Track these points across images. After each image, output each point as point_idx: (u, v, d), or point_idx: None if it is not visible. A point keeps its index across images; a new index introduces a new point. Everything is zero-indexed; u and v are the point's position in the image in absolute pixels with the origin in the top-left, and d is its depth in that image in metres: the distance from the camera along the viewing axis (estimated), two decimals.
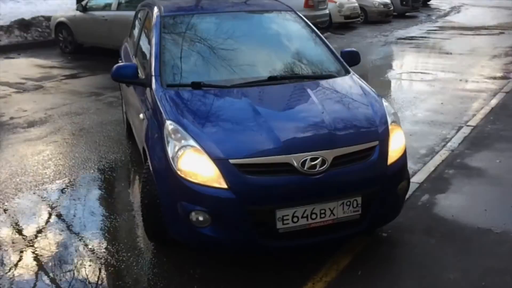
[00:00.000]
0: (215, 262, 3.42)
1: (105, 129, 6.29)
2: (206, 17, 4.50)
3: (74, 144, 5.76)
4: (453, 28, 17.07)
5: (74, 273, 3.34)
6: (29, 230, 3.90)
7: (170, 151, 3.18)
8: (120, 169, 5.12)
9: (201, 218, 3.06)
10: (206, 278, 3.24)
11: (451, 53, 11.86)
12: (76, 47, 11.75)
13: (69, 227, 3.95)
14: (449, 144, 5.49)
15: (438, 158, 5.06)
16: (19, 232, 3.87)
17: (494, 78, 9.09)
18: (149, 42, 4.27)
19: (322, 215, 3.09)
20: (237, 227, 3.06)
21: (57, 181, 4.72)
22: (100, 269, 3.39)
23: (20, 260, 3.51)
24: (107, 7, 11.07)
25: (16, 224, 3.98)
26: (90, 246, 3.66)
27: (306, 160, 3.05)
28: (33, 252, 3.58)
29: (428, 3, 25.85)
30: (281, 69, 4.02)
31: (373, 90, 3.86)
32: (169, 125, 3.28)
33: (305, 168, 3.04)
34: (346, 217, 3.15)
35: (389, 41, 14.10)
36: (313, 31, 4.46)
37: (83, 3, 11.41)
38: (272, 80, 3.82)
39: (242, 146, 3.13)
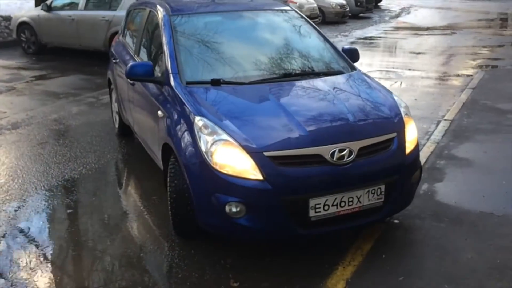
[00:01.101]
0: (243, 251, 3.54)
1: (94, 129, 6.26)
2: (213, 16, 4.60)
3: (67, 144, 5.71)
4: (406, 28, 17.81)
5: (102, 274, 3.38)
6: (59, 222, 3.89)
7: (203, 145, 3.27)
8: (120, 167, 5.13)
9: (236, 209, 3.18)
10: (239, 267, 3.35)
11: (413, 52, 12.39)
12: (40, 47, 11.47)
13: (85, 229, 3.97)
14: (432, 137, 5.82)
15: (426, 150, 5.37)
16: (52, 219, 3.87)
17: (457, 75, 9.61)
18: (159, 41, 4.33)
19: (350, 203, 3.28)
20: (271, 216, 3.20)
21: (62, 181, 4.71)
22: (132, 265, 3.45)
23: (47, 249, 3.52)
24: (74, 6, 10.87)
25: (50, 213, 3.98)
26: (111, 244, 3.70)
27: (335, 151, 3.23)
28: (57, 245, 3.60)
29: (379, 4, 26.75)
30: (293, 66, 4.18)
31: (382, 84, 4.10)
32: (199, 120, 3.38)
33: (334, 159, 3.22)
34: (371, 204, 3.35)
35: (350, 41, 14.54)
36: (315, 29, 4.66)
37: (48, 2, 11.15)
38: (287, 76, 3.99)
39: (275, 139, 3.27)
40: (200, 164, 3.29)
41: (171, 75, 3.87)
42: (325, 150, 3.22)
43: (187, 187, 3.42)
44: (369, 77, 4.19)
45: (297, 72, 4.09)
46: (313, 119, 3.47)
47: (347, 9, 19.53)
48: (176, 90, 3.75)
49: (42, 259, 3.48)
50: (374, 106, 3.72)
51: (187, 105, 3.57)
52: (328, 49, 4.44)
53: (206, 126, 3.34)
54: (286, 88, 3.82)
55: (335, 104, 3.64)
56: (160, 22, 4.37)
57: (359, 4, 21.01)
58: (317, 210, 3.21)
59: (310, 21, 4.77)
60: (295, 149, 3.22)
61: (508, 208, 4.01)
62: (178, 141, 3.49)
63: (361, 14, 21.56)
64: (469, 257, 3.35)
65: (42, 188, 4.55)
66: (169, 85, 3.84)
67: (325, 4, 18.61)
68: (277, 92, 3.74)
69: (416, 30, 17.20)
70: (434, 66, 10.62)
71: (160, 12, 4.50)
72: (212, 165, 3.22)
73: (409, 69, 10.16)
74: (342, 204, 3.26)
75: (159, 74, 4.05)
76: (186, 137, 3.43)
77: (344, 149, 3.25)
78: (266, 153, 3.17)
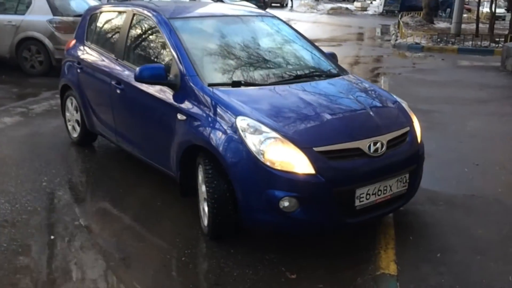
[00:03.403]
0: (280, 246, 3.65)
1: (46, 140, 5.84)
2: (210, 20, 4.65)
3: (28, 158, 5.28)
4: None
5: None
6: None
7: (252, 144, 3.34)
8: (101, 177, 4.88)
9: (290, 204, 3.29)
10: (285, 260, 3.45)
11: None
12: None
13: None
14: None
15: None
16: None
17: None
18: (161, 44, 4.28)
19: (385, 191, 3.57)
20: (323, 208, 3.37)
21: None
22: (181, 271, 3.39)
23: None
24: None
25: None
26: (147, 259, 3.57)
27: (370, 144, 3.50)
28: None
29: None
30: (300, 68, 4.39)
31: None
32: (242, 120, 3.44)
33: (371, 151, 3.50)
34: (398, 192, 3.68)
35: None
36: (302, 34, 4.94)
37: None
38: (298, 78, 4.18)
39: (320, 135, 3.46)
40: (250, 163, 3.34)
41: (189, 78, 3.86)
42: (363, 144, 3.48)
43: (228, 187, 3.46)
44: (361, 79, 4.56)
45: (305, 73, 4.31)
46: (345, 116, 3.72)
47: None
48: (201, 92, 3.75)
49: None
50: (385, 103, 4.07)
51: (221, 106, 3.60)
52: (321, 53, 4.71)
53: (250, 126, 3.41)
54: (306, 88, 4.00)
55: (356, 102, 3.92)
56: (160, 26, 4.30)
57: None
58: (361, 199, 3.45)
59: (293, 27, 5.03)
60: (339, 144, 3.43)
61: (484, 190, 4.61)
62: (217, 142, 3.49)
63: None
64: (480, 232, 3.83)
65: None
66: (189, 87, 3.82)
67: None
68: (301, 92, 3.91)
69: None
70: None
71: (155, 16, 4.42)
72: (264, 162, 3.30)
73: None
74: (379, 192, 3.54)
75: (172, 77, 3.98)
76: (227, 137, 3.45)
77: (377, 142, 3.54)
78: (315, 148, 3.34)
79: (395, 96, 4.28)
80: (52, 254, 3.52)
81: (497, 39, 17.26)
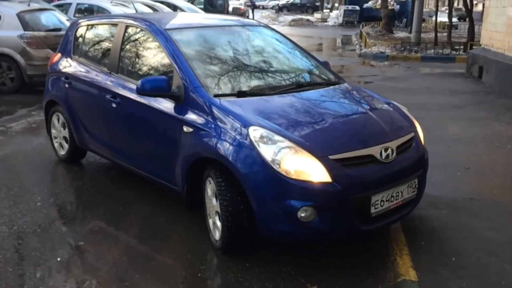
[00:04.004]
0: (293, 257, 3.62)
1: (31, 159, 5.64)
2: (206, 30, 4.59)
3: (11, 179, 5.07)
4: None
5: None
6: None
7: (267, 154, 3.30)
8: (95, 195, 4.73)
9: (308, 213, 3.27)
10: (303, 271, 3.42)
11: None
12: None
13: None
14: None
15: None
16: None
17: None
18: (159, 56, 4.21)
19: (397, 197, 3.60)
20: (340, 216, 3.36)
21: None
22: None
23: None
24: None
25: None
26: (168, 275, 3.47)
27: (381, 151, 3.53)
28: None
29: None
30: (300, 77, 4.40)
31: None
32: (254, 130, 3.41)
33: (383, 158, 3.52)
34: (409, 197, 3.71)
35: None
36: (295, 43, 4.96)
37: None
38: (300, 87, 4.17)
39: (333, 143, 3.46)
40: (266, 173, 3.30)
41: (194, 89, 3.80)
42: (375, 150, 3.50)
43: (242, 199, 3.41)
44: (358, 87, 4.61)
45: (307, 82, 4.31)
46: (354, 123, 3.75)
47: None
48: (208, 103, 3.69)
49: None
50: (388, 110, 4.11)
51: (231, 116, 3.55)
52: (317, 62, 4.73)
53: (263, 136, 3.38)
54: (311, 97, 4.00)
55: (361, 109, 3.96)
56: (157, 37, 4.22)
57: None
58: (376, 206, 3.46)
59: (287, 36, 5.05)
60: (353, 151, 3.43)
61: (480, 193, 4.71)
62: (229, 154, 3.43)
63: None
64: (488, 234, 3.90)
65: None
66: (194, 99, 3.76)
67: None
68: (307, 101, 3.90)
69: None
70: None
71: (151, 27, 4.35)
72: (281, 172, 3.26)
73: None
74: (392, 199, 3.56)
75: (175, 89, 3.90)
76: (240, 148, 3.41)
77: (388, 148, 3.57)
78: (331, 156, 3.34)
79: (394, 102, 4.33)
80: (63, 278, 3.37)
81: (457, 47, 17.90)
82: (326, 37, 26.20)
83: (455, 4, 35.72)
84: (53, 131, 5.62)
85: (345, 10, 34.11)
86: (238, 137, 3.45)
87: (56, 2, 15.65)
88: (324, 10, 46.63)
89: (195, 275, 3.44)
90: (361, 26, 26.53)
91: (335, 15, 39.38)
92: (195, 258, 3.64)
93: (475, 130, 7.06)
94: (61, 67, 5.36)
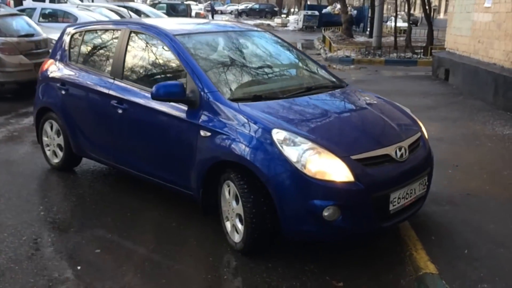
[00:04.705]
0: (313, 256, 3.70)
1: (22, 168, 5.49)
2: (211, 36, 4.63)
3: (6, 190, 4.93)
4: None
5: None
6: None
7: (291, 156, 3.37)
8: (100, 202, 4.66)
9: (332, 212, 3.35)
10: (327, 269, 3.51)
11: None
12: None
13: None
14: None
15: None
16: None
17: None
18: (169, 62, 4.26)
19: (411, 194, 3.74)
20: (363, 214, 3.47)
21: None
22: None
23: None
24: None
25: None
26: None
27: (396, 150, 3.66)
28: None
29: None
30: (308, 80, 4.49)
31: None
32: (277, 133, 3.47)
33: (398, 157, 3.65)
34: (420, 194, 3.87)
35: None
36: (296, 48, 5.06)
37: None
38: (309, 90, 4.26)
39: (353, 144, 3.57)
40: (291, 175, 3.37)
41: (210, 94, 3.83)
42: (390, 150, 3.64)
43: (265, 201, 3.47)
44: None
45: (316, 85, 4.40)
46: (368, 124, 3.88)
47: None
48: (226, 108, 3.73)
49: None
50: (395, 111, 4.26)
51: (251, 120, 3.60)
52: (320, 66, 4.84)
53: (286, 138, 3.44)
54: (324, 99, 4.10)
55: (372, 111, 4.08)
56: (167, 43, 4.22)
57: None
58: (393, 203, 3.58)
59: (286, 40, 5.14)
60: (372, 151, 3.55)
61: (474, 189, 4.92)
62: (252, 157, 3.48)
63: None
64: (492, 227, 4.09)
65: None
66: (211, 103, 3.78)
67: None
68: (321, 103, 4.00)
69: None
70: None
71: (160, 33, 4.35)
72: (306, 173, 3.34)
73: None
74: (407, 196, 3.70)
75: (190, 94, 3.91)
76: (264, 151, 3.46)
77: (401, 148, 3.71)
78: (352, 157, 3.44)
79: (398, 104, 4.49)
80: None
81: (417, 51, 18.55)
82: (289, 41, 26.46)
83: (407, 10, 36.84)
84: (45, 138, 5.48)
85: (304, 15, 34.65)
86: (260, 140, 3.50)
87: (19, 8, 15.23)
88: (282, 16, 47.18)
89: (221, 277, 3.47)
90: (323, 31, 27.00)
91: (294, 20, 39.94)
92: (217, 261, 3.66)
93: (454, 130, 7.35)
94: (55, 74, 5.25)
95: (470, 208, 4.49)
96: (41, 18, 13.96)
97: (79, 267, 3.52)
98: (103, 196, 4.80)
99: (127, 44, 4.57)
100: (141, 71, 4.54)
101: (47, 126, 5.42)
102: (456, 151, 6.29)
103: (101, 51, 5.02)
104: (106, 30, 5.08)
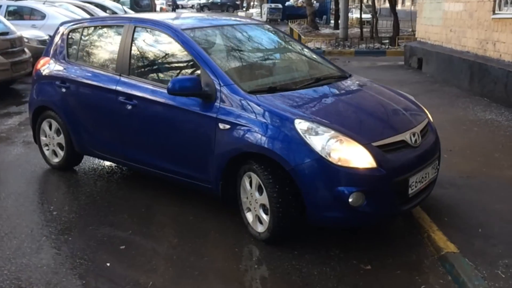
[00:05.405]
0: (333, 241, 3.82)
1: (19, 169, 5.39)
2: (217, 30, 4.63)
3: (11, 191, 4.84)
4: None
5: None
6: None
7: (316, 145, 3.46)
8: (113, 201, 4.63)
9: (357, 198, 3.46)
10: (353, 255, 3.61)
11: None
12: None
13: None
14: None
15: None
16: None
17: None
18: (180, 56, 4.25)
19: (425, 178, 3.89)
20: (385, 198, 3.59)
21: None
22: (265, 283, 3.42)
23: None
24: None
25: None
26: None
27: (410, 136, 3.80)
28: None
29: None
30: (315, 71, 4.57)
31: None
32: (300, 123, 3.54)
33: (412, 142, 3.79)
34: (432, 178, 4.03)
35: None
36: (298, 40, 5.14)
37: None
38: (318, 81, 4.35)
39: (373, 131, 3.70)
40: (317, 163, 3.45)
41: (226, 87, 3.86)
42: (406, 136, 3.77)
43: (290, 190, 3.54)
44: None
45: (324, 76, 4.49)
46: (382, 112, 4.00)
47: None
48: (245, 100, 3.77)
49: None
50: (403, 99, 4.39)
51: (272, 111, 3.66)
52: (323, 57, 4.94)
53: (310, 127, 3.52)
54: (336, 90, 4.20)
55: (383, 99, 4.20)
56: (176, 37, 4.22)
57: None
58: (412, 187, 3.72)
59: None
60: (390, 137, 3.68)
61: (472, 171, 5.13)
62: (277, 147, 3.54)
63: None
64: (498, 207, 4.29)
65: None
66: (228, 96, 3.82)
67: None
68: (334, 94, 4.10)
69: None
70: None
71: (167, 28, 4.34)
72: (331, 161, 3.43)
73: None
74: (422, 179, 3.84)
75: (206, 88, 3.93)
76: (288, 141, 3.53)
77: (415, 134, 3.85)
78: (373, 143, 3.55)
79: (402, 92, 4.63)
80: (123, 283, 3.32)
81: (383, 41, 18.96)
82: None
83: (365, 1, 37.43)
84: (43, 138, 5.38)
85: (268, 8, 34.70)
86: (284, 130, 3.57)
87: None
88: (243, 9, 47.15)
89: (252, 266, 3.54)
90: (289, 23, 27.14)
91: (256, 14, 39.95)
92: (243, 252, 3.73)
93: (439, 116, 7.53)
94: (53, 72, 5.16)
95: (473, 190, 4.69)
96: (6, 16, 13.54)
97: (108, 264, 3.52)
98: (112, 193, 4.76)
99: (132, 40, 4.54)
100: (149, 67, 4.53)
101: (45, 126, 5.32)
102: (446, 136, 6.47)
103: (103, 47, 4.96)
104: (107, 26, 5.02)
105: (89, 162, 5.57)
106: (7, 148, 6.16)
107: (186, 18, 4.97)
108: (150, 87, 4.29)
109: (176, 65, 4.35)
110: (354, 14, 30.37)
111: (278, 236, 3.70)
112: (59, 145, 5.23)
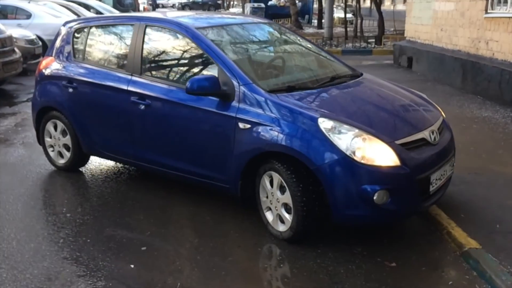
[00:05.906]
0: (357, 238, 3.84)
1: (24, 171, 5.28)
2: (229, 28, 4.60)
3: (19, 194, 4.74)
4: None
5: None
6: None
7: (341, 143, 3.45)
8: (132, 204, 4.57)
9: (382, 196, 3.46)
10: (377, 253, 3.62)
11: None
12: None
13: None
14: None
15: None
16: None
17: None
18: (193, 55, 4.21)
19: (444, 175, 3.93)
20: (408, 196, 3.61)
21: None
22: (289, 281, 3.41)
23: None
24: None
25: None
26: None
27: (429, 133, 3.83)
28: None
29: None
30: (329, 70, 4.57)
31: None
32: (323, 122, 3.54)
33: (432, 140, 3.82)
34: (449, 175, 4.06)
35: None
36: (306, 38, 5.14)
37: None
38: (334, 79, 4.35)
39: (395, 129, 3.71)
40: (342, 162, 3.45)
41: (245, 87, 3.83)
42: (425, 134, 3.80)
43: (313, 189, 3.54)
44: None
45: (339, 75, 4.49)
46: (402, 110, 4.02)
47: None
48: (265, 99, 3.75)
49: None
50: (416, 97, 4.43)
51: (294, 110, 3.65)
52: (333, 56, 4.95)
53: (333, 126, 3.52)
54: (353, 88, 4.21)
55: (399, 98, 4.23)
56: (191, 37, 4.18)
57: None
58: (432, 184, 3.75)
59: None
60: (411, 135, 3.70)
61: (479, 167, 5.20)
62: (300, 146, 3.53)
63: None
64: (510, 203, 4.36)
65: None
66: (247, 96, 3.79)
67: None
68: (352, 92, 4.11)
69: None
70: None
71: (181, 27, 4.30)
72: (356, 160, 3.43)
73: None
74: (441, 177, 3.88)
75: (225, 87, 3.90)
76: (312, 140, 3.52)
77: (434, 131, 3.88)
78: (397, 141, 3.57)
79: (414, 90, 4.67)
80: (149, 283, 3.27)
81: (369, 41, 19.14)
82: None
83: (349, 1, 37.71)
84: (47, 139, 5.28)
85: (251, 8, 34.62)
86: (307, 129, 3.56)
87: None
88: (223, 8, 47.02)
89: (278, 266, 3.52)
90: None
91: (236, 12, 39.89)
92: (266, 251, 3.71)
93: None
94: (59, 72, 5.06)
95: (484, 186, 4.75)
96: None
97: (132, 266, 3.46)
98: (123, 194, 4.70)
99: (143, 39, 4.48)
100: (163, 66, 4.47)
101: (50, 126, 5.21)
102: None
103: (112, 47, 4.86)
104: (115, 26, 4.94)
105: (95, 162, 5.48)
106: (8, 149, 6.03)
107: (194, 17, 4.91)
108: (165, 86, 4.24)
109: (190, 64, 4.30)
110: (336, 14, 30.58)
111: (301, 235, 3.69)
112: (65, 146, 5.14)
